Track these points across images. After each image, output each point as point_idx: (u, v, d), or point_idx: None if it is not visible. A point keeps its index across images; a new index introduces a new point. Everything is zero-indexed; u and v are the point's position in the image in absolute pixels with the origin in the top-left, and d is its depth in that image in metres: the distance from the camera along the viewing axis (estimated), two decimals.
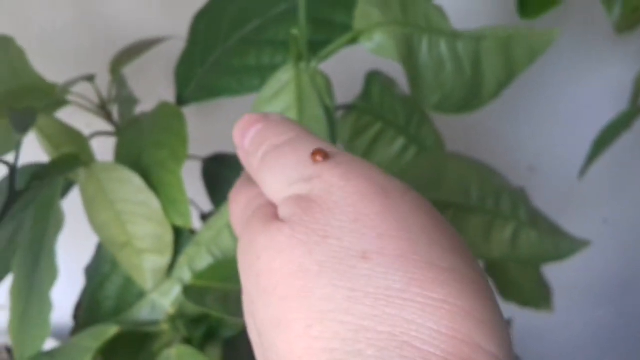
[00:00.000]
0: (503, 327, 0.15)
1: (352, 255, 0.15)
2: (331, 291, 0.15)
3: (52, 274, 0.37)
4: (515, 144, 0.70)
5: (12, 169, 0.32)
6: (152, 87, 0.52)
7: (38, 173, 0.33)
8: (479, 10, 0.59)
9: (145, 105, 0.45)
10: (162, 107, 0.39)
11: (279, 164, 0.19)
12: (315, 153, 0.19)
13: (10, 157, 0.35)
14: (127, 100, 0.45)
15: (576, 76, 0.66)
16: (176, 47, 0.44)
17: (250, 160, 0.20)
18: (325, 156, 0.18)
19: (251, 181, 0.21)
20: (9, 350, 0.77)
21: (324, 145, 0.19)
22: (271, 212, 0.18)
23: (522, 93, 0.66)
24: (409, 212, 0.16)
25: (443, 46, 0.34)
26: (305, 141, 0.19)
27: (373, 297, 0.14)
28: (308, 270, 0.15)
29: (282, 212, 0.17)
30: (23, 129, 0.32)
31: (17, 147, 0.33)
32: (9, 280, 0.42)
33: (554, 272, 0.51)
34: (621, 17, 0.53)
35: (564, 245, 0.39)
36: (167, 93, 0.44)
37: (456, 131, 0.56)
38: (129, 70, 0.46)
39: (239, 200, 0.20)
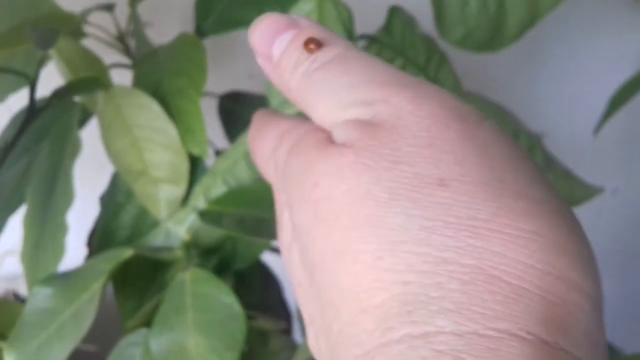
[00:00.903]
0: (596, 266, 0.14)
1: (428, 182, 0.14)
2: (404, 220, 0.13)
3: (68, 197, 0.37)
4: (527, 108, 0.70)
5: (32, 83, 0.32)
6: (165, 25, 0.52)
7: (58, 92, 0.33)
8: None
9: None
10: (181, 37, 0.39)
11: (330, 84, 0.17)
12: (307, 42, 0.17)
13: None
14: (141, 37, 0.45)
15: (592, 41, 0.65)
16: None
17: (286, 77, 0.18)
18: (319, 44, 0.17)
19: (275, 116, 0.19)
20: (16, 296, 0.78)
21: (360, 55, 0.17)
22: (323, 137, 0.16)
23: (536, 55, 0.66)
24: (489, 140, 0.14)
25: None
26: (357, 58, 0.17)
27: (454, 228, 0.13)
28: (377, 198, 0.14)
29: (340, 136, 0.16)
30: (45, 45, 0.32)
31: (38, 64, 0.33)
32: (17, 225, 0.42)
33: None
34: None
35: (578, 190, 0.39)
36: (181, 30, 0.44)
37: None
38: (141, 9, 0.46)
39: (266, 137, 0.18)
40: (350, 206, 0.14)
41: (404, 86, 0.16)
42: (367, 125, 0.15)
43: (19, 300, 0.79)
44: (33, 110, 0.33)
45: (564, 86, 0.68)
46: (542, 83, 0.68)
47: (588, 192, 0.39)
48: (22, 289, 0.78)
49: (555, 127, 0.71)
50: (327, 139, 0.16)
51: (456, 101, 0.15)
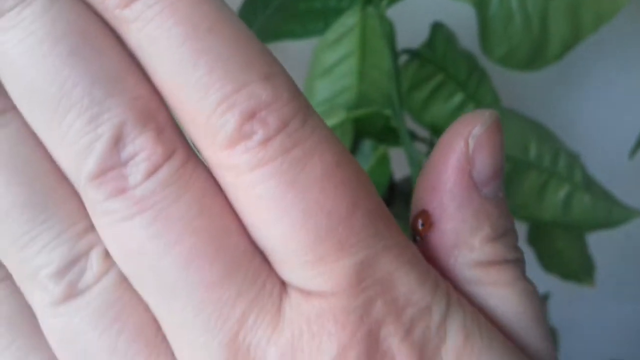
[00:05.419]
0: None
1: None
2: None
3: None
4: (562, 128, 0.69)
5: None
6: None
7: None
8: None
9: None
10: None
11: None
12: None
13: None
14: None
15: (632, 62, 0.65)
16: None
17: None
18: None
19: None
20: None
21: None
22: None
23: (574, 76, 0.65)
24: None
25: None
26: None
27: None
28: None
29: None
30: None
31: None
32: None
33: None
34: None
35: (616, 212, 0.38)
36: None
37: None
38: None
39: None
40: None
41: None
42: None
43: None
44: None
45: (599, 107, 0.68)
46: (578, 103, 0.68)
47: (627, 214, 0.38)
48: None
49: (589, 147, 0.71)
50: None
51: None
